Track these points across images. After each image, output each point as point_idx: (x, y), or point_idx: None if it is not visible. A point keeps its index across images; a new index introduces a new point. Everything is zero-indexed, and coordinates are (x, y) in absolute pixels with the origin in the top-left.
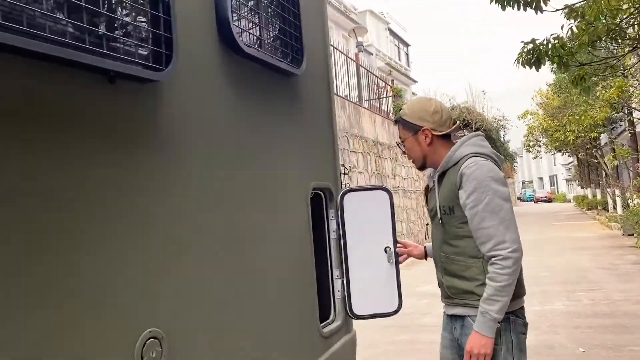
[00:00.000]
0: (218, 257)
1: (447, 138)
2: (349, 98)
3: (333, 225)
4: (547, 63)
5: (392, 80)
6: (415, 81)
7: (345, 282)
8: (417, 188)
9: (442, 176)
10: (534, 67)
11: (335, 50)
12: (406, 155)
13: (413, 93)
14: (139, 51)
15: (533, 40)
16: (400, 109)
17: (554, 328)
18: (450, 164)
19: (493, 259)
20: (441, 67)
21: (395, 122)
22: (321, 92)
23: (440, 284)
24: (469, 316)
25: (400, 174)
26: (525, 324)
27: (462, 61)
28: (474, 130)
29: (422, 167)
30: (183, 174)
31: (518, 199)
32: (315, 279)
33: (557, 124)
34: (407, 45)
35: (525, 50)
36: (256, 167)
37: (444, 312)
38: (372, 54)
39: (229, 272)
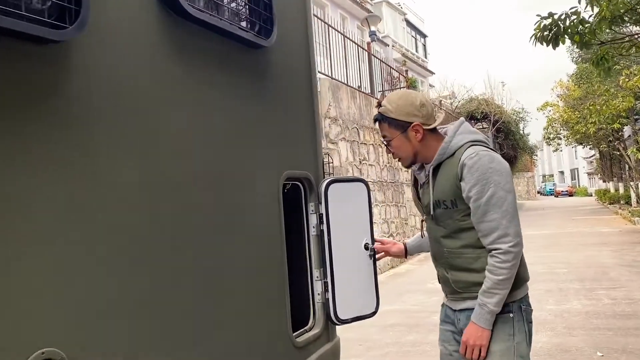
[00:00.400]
0: (153, 257)
1: (435, 130)
2: (361, 89)
3: (313, 220)
4: (567, 42)
5: (407, 71)
6: (432, 73)
7: (329, 284)
8: None
9: (435, 169)
10: (551, 45)
11: (347, 39)
12: (392, 154)
13: (430, 85)
14: (34, 3)
15: (551, 14)
16: (380, 106)
17: (570, 329)
18: (446, 155)
19: (494, 251)
20: (459, 58)
21: (376, 120)
22: (298, 68)
23: (443, 281)
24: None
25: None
26: (531, 311)
27: (481, 52)
28: (493, 123)
29: (410, 165)
30: (96, 158)
31: (538, 192)
32: (288, 281)
33: (578, 116)
34: (424, 36)
35: (542, 25)
36: (209, 153)
37: (446, 306)
38: (388, 45)
39: (169, 276)
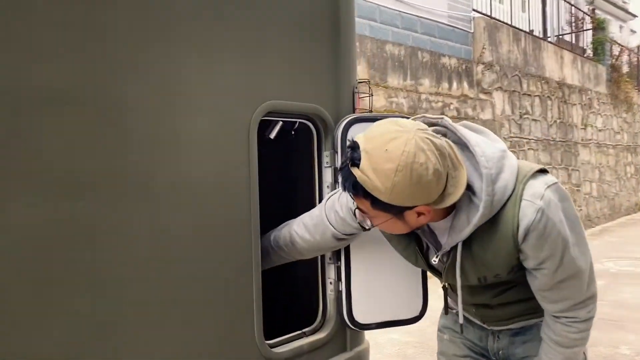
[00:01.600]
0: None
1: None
2: (532, 31)
3: (327, 176)
4: None
5: (593, 10)
6: (634, 15)
7: (343, 269)
8: (617, 142)
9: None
10: None
11: None
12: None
13: (631, 30)
14: None
15: None
16: (354, 159)
17: None
18: (489, 217)
19: (566, 319)
20: None
21: (346, 187)
22: None
23: (481, 318)
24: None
25: (594, 124)
26: None
27: None
28: None
29: None
30: None
31: None
32: (258, 266)
33: None
34: None
35: None
36: (118, 64)
37: (475, 324)
38: None
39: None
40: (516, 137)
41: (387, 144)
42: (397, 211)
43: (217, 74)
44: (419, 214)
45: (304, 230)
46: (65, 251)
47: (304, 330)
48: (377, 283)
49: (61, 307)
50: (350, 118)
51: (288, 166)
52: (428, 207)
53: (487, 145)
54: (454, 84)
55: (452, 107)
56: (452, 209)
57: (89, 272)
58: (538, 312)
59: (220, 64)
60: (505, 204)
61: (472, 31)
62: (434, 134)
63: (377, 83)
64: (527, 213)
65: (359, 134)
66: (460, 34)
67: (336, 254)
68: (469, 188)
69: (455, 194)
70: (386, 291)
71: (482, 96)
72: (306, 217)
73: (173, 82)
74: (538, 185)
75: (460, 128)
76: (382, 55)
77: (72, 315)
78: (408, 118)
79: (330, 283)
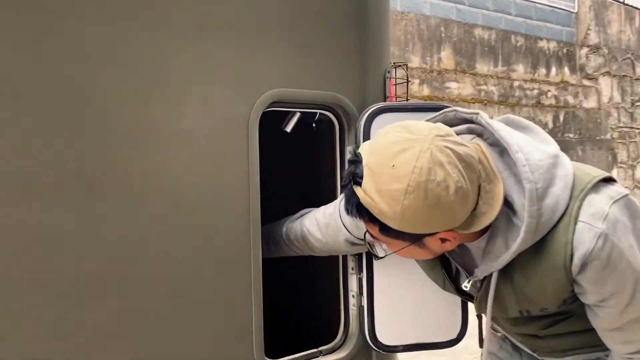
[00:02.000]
0: None
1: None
2: None
3: None
4: None
5: None
6: None
7: (365, 282)
8: None
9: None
10: None
11: None
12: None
13: None
14: None
15: None
16: (356, 175)
17: None
18: (533, 242)
19: None
20: None
21: (349, 210)
22: None
23: (530, 347)
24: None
25: None
26: None
27: None
28: None
29: None
30: None
31: None
32: (258, 274)
33: None
34: None
35: None
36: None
37: (524, 352)
38: None
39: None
40: (626, 127)
41: (394, 158)
42: (413, 239)
43: (210, 58)
44: (443, 240)
45: (316, 228)
46: (27, 260)
47: (320, 348)
48: (405, 298)
49: (28, 320)
50: (375, 108)
51: (309, 162)
52: (454, 232)
53: (533, 149)
54: (553, 70)
55: (549, 94)
56: (487, 227)
57: (59, 284)
58: (602, 344)
59: (213, 46)
60: (556, 225)
61: (575, 11)
62: (457, 139)
63: (464, 70)
64: (584, 239)
65: (364, 142)
66: (561, 14)
67: (359, 263)
68: (508, 204)
69: (490, 213)
70: (417, 308)
71: (585, 82)
72: (319, 214)
73: (156, 67)
74: (600, 201)
75: (500, 127)
76: (470, 40)
77: (45, 329)
78: (441, 108)
79: (353, 296)
